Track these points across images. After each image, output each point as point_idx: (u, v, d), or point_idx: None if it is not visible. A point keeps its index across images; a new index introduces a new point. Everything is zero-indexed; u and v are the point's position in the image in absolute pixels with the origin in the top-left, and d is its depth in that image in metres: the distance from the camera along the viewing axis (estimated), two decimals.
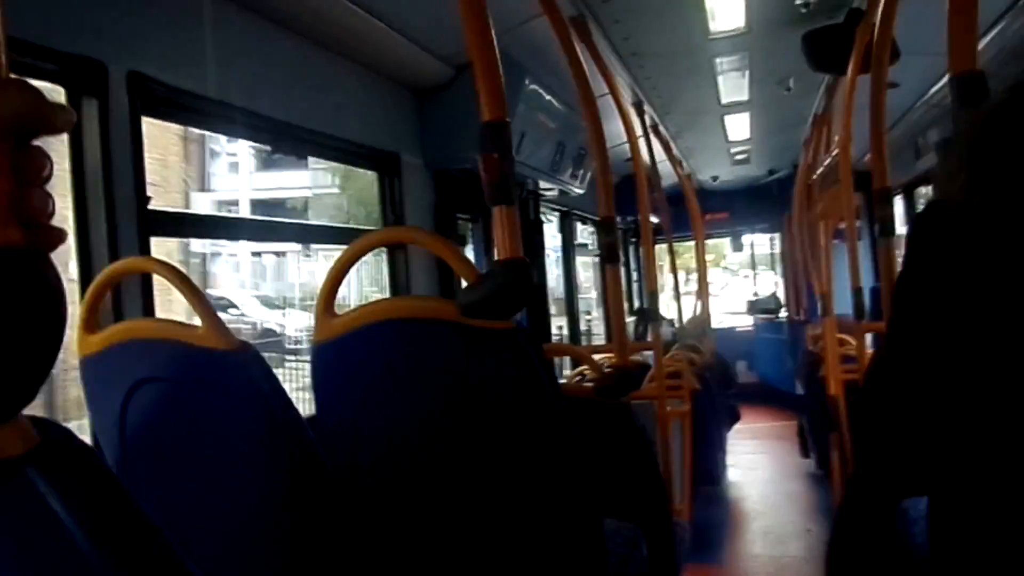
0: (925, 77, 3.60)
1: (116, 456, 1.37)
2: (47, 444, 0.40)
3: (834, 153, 3.18)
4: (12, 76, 0.38)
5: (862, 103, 2.66)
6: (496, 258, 1.13)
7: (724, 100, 4.15)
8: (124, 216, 1.58)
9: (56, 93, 1.55)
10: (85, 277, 1.48)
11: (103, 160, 1.55)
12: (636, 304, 6.96)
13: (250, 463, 1.26)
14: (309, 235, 3.78)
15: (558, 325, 5.23)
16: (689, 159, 5.93)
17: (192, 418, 1.28)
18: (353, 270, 1.30)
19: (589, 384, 2.15)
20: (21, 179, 0.38)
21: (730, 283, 10.02)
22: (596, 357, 2.73)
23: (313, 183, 14.18)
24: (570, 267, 4.99)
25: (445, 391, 1.19)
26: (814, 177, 3.93)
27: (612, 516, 1.68)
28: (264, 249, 12.45)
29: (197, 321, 1.25)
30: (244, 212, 12.45)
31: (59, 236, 0.39)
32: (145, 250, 1.64)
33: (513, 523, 1.23)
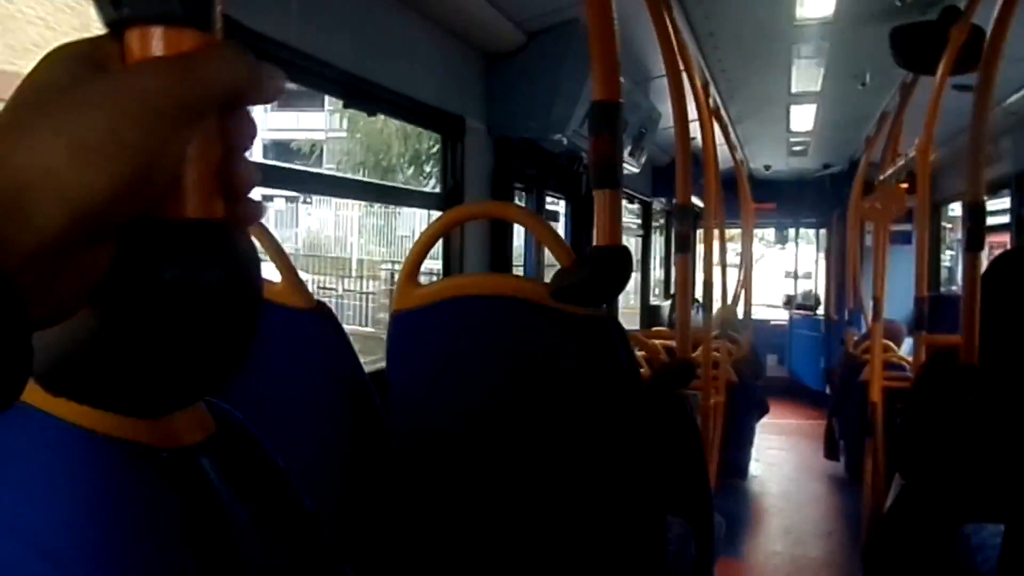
0: (1005, 83, 3.46)
1: None
2: (222, 433, 0.37)
3: (910, 155, 3.07)
4: (227, 40, 0.34)
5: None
6: (595, 243, 1.09)
7: (794, 89, 4.03)
8: None
9: None
10: None
11: None
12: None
13: (315, 424, 1.25)
14: (369, 192, 3.73)
15: None
16: (745, 146, 5.80)
17: (263, 373, 1.27)
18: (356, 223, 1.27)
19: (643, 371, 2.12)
20: (228, 147, 0.34)
21: (765, 254, 9.74)
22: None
23: (328, 126, 13.71)
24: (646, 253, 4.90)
25: (526, 373, 1.16)
26: (881, 177, 3.81)
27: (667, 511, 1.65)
28: (276, 193, 12.33)
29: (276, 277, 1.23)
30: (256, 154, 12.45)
31: (259, 209, 0.36)
32: None
33: (578, 514, 1.20)
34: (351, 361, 1.22)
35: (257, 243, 1.26)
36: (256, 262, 0.35)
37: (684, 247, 2.05)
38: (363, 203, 12.31)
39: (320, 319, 1.21)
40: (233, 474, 0.38)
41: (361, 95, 2.24)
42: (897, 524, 1.80)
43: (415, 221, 12.94)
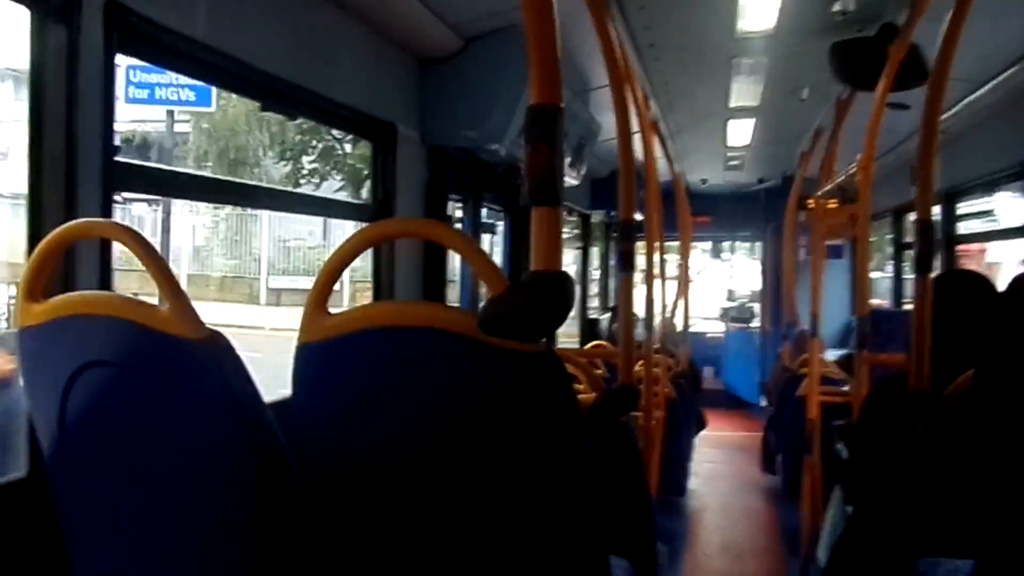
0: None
1: (54, 446, 1.18)
2: None
3: (849, 170, 3.06)
4: None
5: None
6: (532, 267, 0.95)
7: (733, 103, 4.02)
8: (87, 167, 1.37)
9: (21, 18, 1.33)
10: (34, 236, 1.27)
11: (67, 99, 1.33)
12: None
13: (213, 468, 1.10)
14: (293, 203, 3.53)
15: None
16: (683, 159, 5.80)
17: (146, 412, 1.11)
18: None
19: (580, 397, 2.00)
20: None
21: (707, 267, 9.81)
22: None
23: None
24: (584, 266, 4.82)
25: (450, 413, 1.02)
26: (818, 193, 3.82)
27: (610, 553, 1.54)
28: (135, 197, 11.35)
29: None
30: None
31: None
32: (107, 207, 1.43)
33: (510, 562, 1.07)
34: (253, 398, 1.07)
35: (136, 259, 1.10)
36: None
37: (627, 264, 1.94)
38: (214, 207, 11.42)
39: (215, 351, 1.05)
40: None
41: (281, 98, 2.07)
42: (849, 555, 1.72)
43: (278, 228, 12.24)
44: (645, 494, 1.84)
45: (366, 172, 12.42)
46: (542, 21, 0.96)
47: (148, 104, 10.23)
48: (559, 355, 2.56)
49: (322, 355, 1.07)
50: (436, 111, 2.80)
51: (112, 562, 1.21)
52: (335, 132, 10.63)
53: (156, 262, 1.06)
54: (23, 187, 1.36)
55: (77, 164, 1.35)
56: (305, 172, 12.34)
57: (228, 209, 12.05)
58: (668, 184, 5.21)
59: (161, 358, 1.07)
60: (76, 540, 1.22)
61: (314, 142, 12.12)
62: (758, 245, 8.37)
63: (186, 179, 2.29)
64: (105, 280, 1.41)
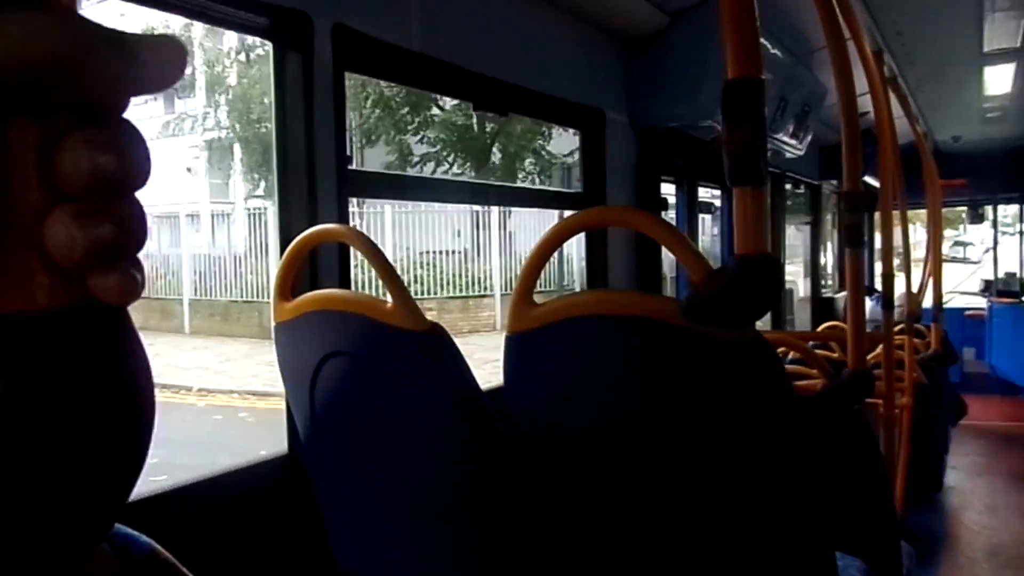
0: None
1: (307, 426, 1.34)
2: None
3: None
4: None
5: None
6: (735, 251, 0.91)
7: (987, 48, 3.51)
8: (324, 176, 1.52)
9: (265, 48, 1.52)
10: (284, 240, 1.44)
11: (305, 118, 1.49)
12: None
13: (434, 447, 1.19)
14: (511, 197, 3.66)
15: None
16: (928, 116, 5.18)
17: (379, 396, 1.23)
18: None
19: (804, 383, 1.87)
20: (57, 191, 0.21)
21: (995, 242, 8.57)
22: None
23: None
24: (780, 239, 4.55)
25: (654, 400, 1.01)
26: None
27: (839, 549, 1.43)
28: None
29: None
30: None
31: (131, 286, 0.23)
32: (343, 211, 1.58)
33: (718, 557, 1.04)
34: (469, 384, 1.14)
35: (365, 259, 1.21)
36: (138, 363, 0.24)
37: (855, 240, 1.76)
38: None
39: (434, 341, 1.14)
40: None
41: (493, 97, 2.16)
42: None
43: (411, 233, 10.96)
44: (884, 488, 1.68)
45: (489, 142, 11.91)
46: None
47: None
48: (784, 340, 2.44)
49: (529, 344, 1.10)
50: (644, 92, 2.76)
51: (358, 528, 1.36)
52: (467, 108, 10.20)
53: (382, 263, 1.17)
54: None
55: (316, 175, 1.51)
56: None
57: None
58: (911, 145, 4.69)
59: (390, 348, 1.17)
60: (328, 507, 1.39)
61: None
62: None
63: (410, 181, 2.46)
64: (344, 278, 1.57)
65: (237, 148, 12.21)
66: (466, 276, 10.91)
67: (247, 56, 11.56)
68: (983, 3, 2.96)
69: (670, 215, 3.43)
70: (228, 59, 11.83)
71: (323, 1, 1.50)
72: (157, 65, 0.22)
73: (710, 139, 3.10)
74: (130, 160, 0.22)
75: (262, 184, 11.85)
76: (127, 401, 0.23)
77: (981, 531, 4.03)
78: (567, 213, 2.06)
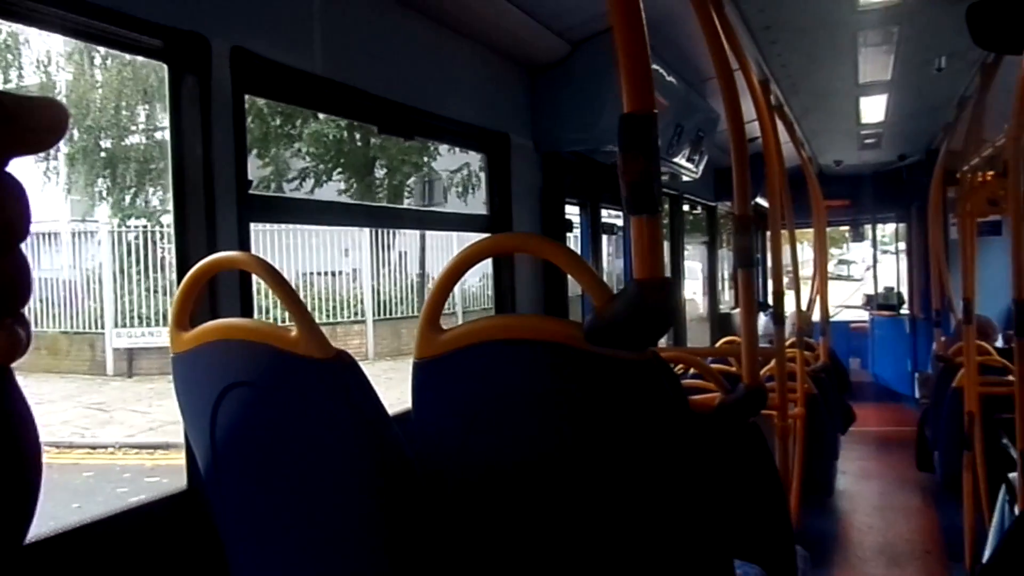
0: None
1: (208, 460, 1.30)
2: None
3: (998, 142, 2.81)
4: None
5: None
6: (634, 275, 0.95)
7: (862, 80, 3.78)
8: (223, 201, 1.49)
9: (160, 70, 1.47)
10: (182, 268, 1.40)
11: (203, 141, 1.45)
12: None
13: (343, 478, 1.17)
14: (417, 220, 3.65)
15: None
16: (812, 141, 5.52)
17: (283, 426, 1.20)
18: None
19: (702, 397, 1.95)
20: None
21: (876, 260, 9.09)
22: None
23: None
24: (678, 259, 4.72)
25: (560, 422, 1.03)
26: (965, 168, 3.52)
27: (737, 556, 1.50)
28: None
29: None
30: None
31: (15, 343, 0.22)
32: (244, 237, 1.55)
33: (626, 569, 1.07)
34: (377, 410, 1.13)
35: (265, 284, 1.19)
36: (16, 416, 0.23)
37: (746, 261, 1.87)
38: None
39: (340, 368, 1.12)
40: None
41: (397, 121, 2.16)
42: (1017, 559, 1.58)
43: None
44: (779, 496, 1.77)
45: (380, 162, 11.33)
46: (630, 27, 0.95)
47: None
48: (683, 357, 2.53)
49: (437, 370, 1.11)
50: (548, 117, 2.82)
51: (263, 564, 1.32)
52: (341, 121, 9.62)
53: (286, 291, 1.14)
54: None
55: (215, 200, 1.47)
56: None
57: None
58: (797, 169, 4.98)
59: (295, 377, 1.15)
60: (232, 544, 1.34)
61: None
62: (902, 227, 7.84)
63: (315, 205, 2.43)
64: (246, 306, 1.53)
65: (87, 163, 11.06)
66: (336, 299, 10.46)
67: (90, 57, 10.28)
68: (857, 39, 3.19)
69: (576, 235, 3.50)
70: (65, 59, 10.38)
71: (221, 23, 1.47)
72: (36, 129, 0.22)
73: (611, 163, 3.20)
74: (10, 216, 0.22)
75: (126, 200, 10.76)
76: (13, 454, 0.23)
77: (870, 531, 4.27)
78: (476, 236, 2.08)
